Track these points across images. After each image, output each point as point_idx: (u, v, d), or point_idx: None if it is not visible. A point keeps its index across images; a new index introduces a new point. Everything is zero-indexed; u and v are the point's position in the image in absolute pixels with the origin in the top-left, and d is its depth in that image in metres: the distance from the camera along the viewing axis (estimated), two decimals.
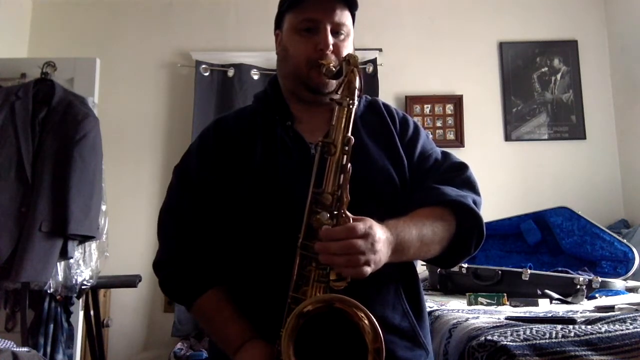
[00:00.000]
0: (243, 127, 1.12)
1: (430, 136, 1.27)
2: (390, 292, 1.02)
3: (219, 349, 1.03)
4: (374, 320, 0.82)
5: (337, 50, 1.06)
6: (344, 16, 1.08)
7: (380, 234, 0.87)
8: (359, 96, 0.97)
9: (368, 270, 0.85)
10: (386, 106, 1.19)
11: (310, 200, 0.90)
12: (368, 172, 1.02)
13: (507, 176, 3.26)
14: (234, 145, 1.08)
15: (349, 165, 0.91)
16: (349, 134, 0.92)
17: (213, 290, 1.02)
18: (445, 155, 1.15)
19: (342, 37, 1.08)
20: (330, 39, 1.05)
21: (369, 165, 1.04)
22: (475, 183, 1.09)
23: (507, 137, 3.34)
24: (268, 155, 1.05)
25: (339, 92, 0.97)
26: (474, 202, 1.04)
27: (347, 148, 0.91)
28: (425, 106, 3.36)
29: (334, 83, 1.06)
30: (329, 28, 1.06)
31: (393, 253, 0.91)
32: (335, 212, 0.88)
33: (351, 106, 0.94)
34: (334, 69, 1.02)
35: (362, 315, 0.82)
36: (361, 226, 0.85)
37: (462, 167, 1.12)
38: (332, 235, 0.85)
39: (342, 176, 0.90)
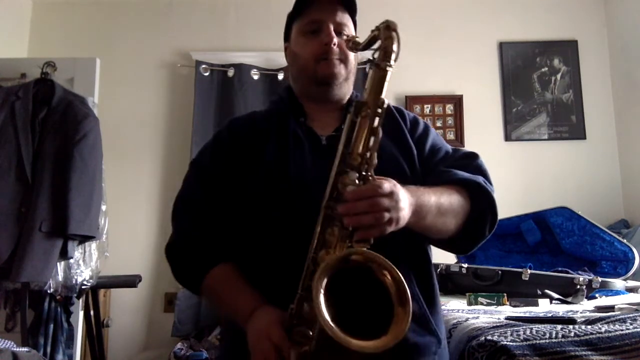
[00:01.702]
0: (257, 125, 1.16)
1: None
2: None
3: (233, 335, 1.03)
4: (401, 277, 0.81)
5: (341, 48, 1.11)
6: (345, 18, 1.15)
7: (404, 192, 0.89)
8: (395, 60, 0.95)
9: (389, 228, 0.86)
10: (397, 108, 1.22)
11: (339, 160, 0.90)
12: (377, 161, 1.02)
13: (507, 176, 3.25)
14: (248, 141, 1.12)
15: (380, 128, 0.90)
16: (383, 96, 0.92)
17: (223, 265, 1.04)
18: (456, 149, 1.19)
19: (345, 37, 1.12)
20: (334, 36, 1.10)
21: (377, 154, 1.05)
22: (487, 171, 1.12)
23: (507, 137, 3.34)
24: (280, 147, 1.08)
25: (375, 56, 0.95)
26: (486, 184, 1.07)
27: (379, 110, 0.91)
28: (425, 106, 3.36)
29: (342, 73, 1.11)
30: (332, 26, 1.11)
31: (413, 215, 0.92)
32: (363, 174, 0.88)
33: (387, 68, 0.93)
34: (359, 41, 1.02)
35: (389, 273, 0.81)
36: (386, 184, 0.86)
37: (474, 155, 1.15)
38: (359, 195, 0.85)
39: (372, 138, 0.90)
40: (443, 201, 0.98)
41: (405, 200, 0.88)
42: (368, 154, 0.89)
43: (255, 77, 3.32)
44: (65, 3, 3.47)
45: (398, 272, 0.81)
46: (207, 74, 3.31)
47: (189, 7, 3.48)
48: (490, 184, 1.09)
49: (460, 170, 1.08)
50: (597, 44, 3.41)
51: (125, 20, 3.47)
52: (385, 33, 0.94)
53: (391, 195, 0.85)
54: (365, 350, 0.76)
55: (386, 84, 0.93)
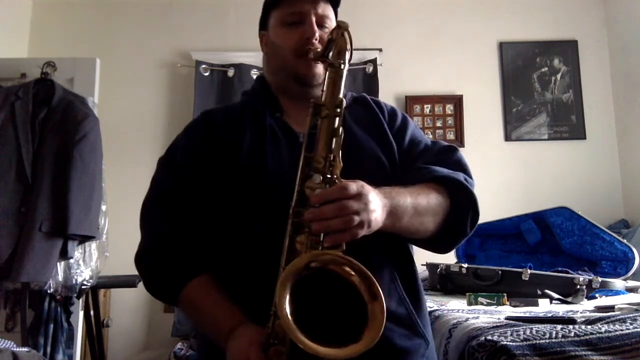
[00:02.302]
0: (231, 118, 1.12)
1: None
2: (385, 277, 0.98)
3: (209, 347, 0.99)
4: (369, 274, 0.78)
5: (322, 41, 1.07)
6: (328, 10, 1.11)
7: (374, 194, 0.86)
8: (349, 59, 0.95)
9: (361, 232, 0.83)
10: (374, 100, 1.20)
11: (302, 164, 0.88)
12: (356, 157, 0.99)
13: (507, 176, 3.26)
14: (222, 134, 1.08)
15: (341, 129, 0.89)
16: (340, 95, 0.91)
17: (201, 277, 0.99)
18: (434, 141, 1.16)
19: (326, 30, 1.10)
20: (316, 29, 1.07)
21: (357, 149, 1.03)
22: (467, 165, 1.09)
23: (507, 137, 3.34)
24: (257, 143, 1.04)
25: (330, 55, 0.95)
26: (466, 181, 1.04)
27: (338, 110, 0.89)
28: (425, 106, 3.36)
29: (321, 75, 1.07)
30: (314, 19, 1.08)
31: (388, 217, 0.89)
32: (328, 176, 0.86)
33: (342, 66, 0.92)
34: (318, 51, 1.02)
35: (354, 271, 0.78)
36: (353, 186, 0.82)
37: (452, 149, 1.12)
38: (325, 198, 0.82)
39: (334, 140, 0.88)
40: (420, 201, 0.95)
41: (376, 202, 0.85)
42: (331, 156, 0.87)
43: (255, 77, 3.31)
44: (65, 3, 3.47)
45: (361, 266, 0.78)
46: (207, 74, 3.31)
47: (189, 7, 3.48)
48: (471, 178, 1.06)
49: (440, 165, 1.05)
50: (597, 44, 3.41)
51: (125, 20, 3.47)
52: (338, 33, 0.95)
53: (359, 196, 0.82)
54: (335, 358, 0.73)
55: (343, 82, 0.92)
